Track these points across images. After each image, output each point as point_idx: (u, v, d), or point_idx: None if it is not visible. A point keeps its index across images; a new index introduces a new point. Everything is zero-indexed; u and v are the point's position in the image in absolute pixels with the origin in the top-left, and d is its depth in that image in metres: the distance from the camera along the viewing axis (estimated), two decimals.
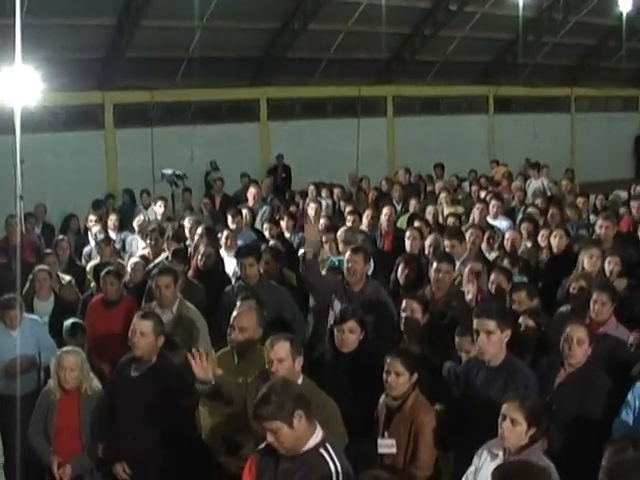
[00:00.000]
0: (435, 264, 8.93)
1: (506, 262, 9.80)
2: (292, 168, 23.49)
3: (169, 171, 17.83)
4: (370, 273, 9.45)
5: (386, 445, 6.43)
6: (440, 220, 13.32)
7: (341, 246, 10.65)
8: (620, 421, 6.45)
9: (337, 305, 8.73)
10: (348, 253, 8.94)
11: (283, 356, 6.26)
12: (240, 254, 9.93)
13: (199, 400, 6.86)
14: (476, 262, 9.22)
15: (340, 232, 11.10)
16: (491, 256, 10.74)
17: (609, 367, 6.94)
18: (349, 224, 12.29)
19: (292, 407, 5.06)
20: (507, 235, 11.18)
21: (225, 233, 11.95)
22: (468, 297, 8.56)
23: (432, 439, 6.32)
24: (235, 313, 7.09)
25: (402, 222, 13.10)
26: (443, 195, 15.07)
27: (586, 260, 9.33)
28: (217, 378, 6.47)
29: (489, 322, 6.47)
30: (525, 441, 5.50)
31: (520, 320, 7.62)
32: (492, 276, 8.82)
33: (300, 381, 6.28)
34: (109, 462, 7.14)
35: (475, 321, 6.56)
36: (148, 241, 11.96)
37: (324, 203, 15.77)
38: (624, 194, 16.25)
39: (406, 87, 27.17)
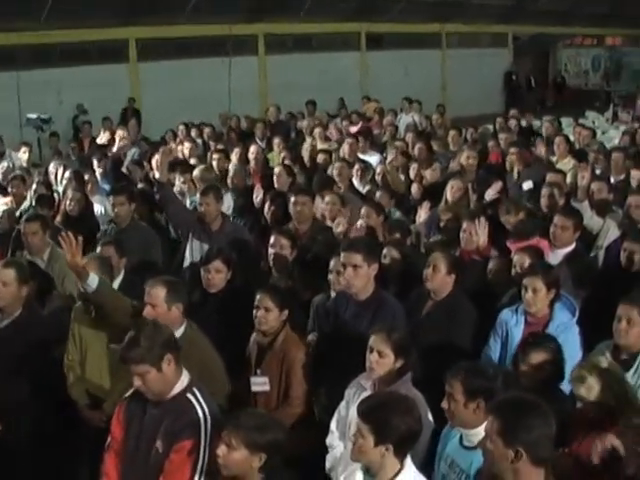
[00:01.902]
0: (293, 197, 8.88)
1: (379, 195, 9.82)
2: (163, 109, 23.01)
3: (34, 115, 17.36)
4: (230, 211, 9.53)
5: (259, 383, 6.38)
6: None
7: (199, 185, 10.46)
8: (488, 348, 6.57)
9: (196, 244, 8.67)
10: (198, 195, 8.85)
11: (156, 301, 6.11)
12: (112, 192, 9.69)
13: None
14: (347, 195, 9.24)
15: (196, 171, 10.95)
16: (364, 190, 10.77)
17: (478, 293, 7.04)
18: (214, 163, 12.15)
19: (161, 351, 5.00)
20: (378, 169, 11.19)
21: (87, 177, 11.64)
22: (338, 230, 8.50)
23: (303, 374, 6.29)
24: None
25: (271, 159, 13.01)
26: (317, 131, 14.99)
27: (448, 190, 9.42)
28: (100, 285, 6.26)
29: (356, 256, 6.42)
30: (393, 373, 5.51)
31: (385, 251, 7.62)
32: (362, 210, 8.80)
33: (182, 329, 6.13)
34: None
35: (342, 255, 6.53)
36: (10, 189, 11.55)
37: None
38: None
39: (277, 25, 26.91)
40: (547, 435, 4.05)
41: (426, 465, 5.11)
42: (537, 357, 5.56)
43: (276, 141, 14.12)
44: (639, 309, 5.76)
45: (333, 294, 6.97)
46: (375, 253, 6.69)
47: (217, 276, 7.18)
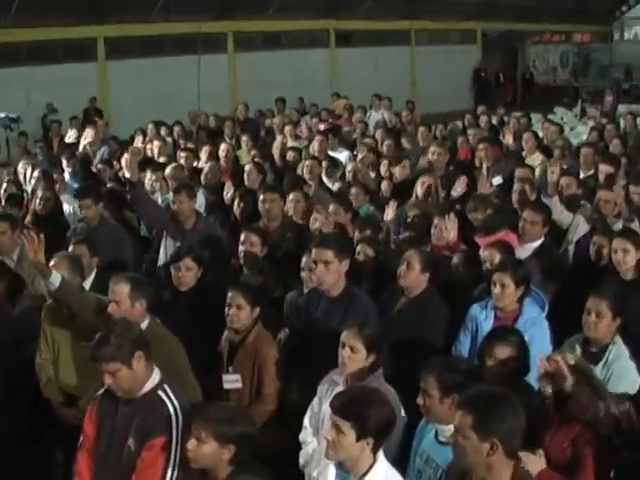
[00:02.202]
0: (261, 195, 8.89)
1: (355, 192, 9.84)
2: (132, 108, 22.90)
3: (2, 114, 17.20)
4: (202, 209, 9.55)
5: (231, 380, 6.39)
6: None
7: (171, 184, 10.46)
8: (458, 343, 6.61)
9: (170, 242, 8.67)
10: (172, 193, 8.84)
11: (119, 298, 6.11)
12: (78, 195, 9.65)
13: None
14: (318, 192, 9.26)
15: (168, 170, 10.90)
16: (334, 187, 10.81)
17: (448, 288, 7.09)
18: (182, 161, 12.11)
19: (131, 348, 5.00)
20: (348, 167, 11.21)
21: (55, 177, 11.58)
22: (314, 227, 8.51)
23: (276, 371, 6.31)
24: None
25: (241, 157, 13.01)
26: (288, 129, 14.99)
27: (418, 187, 9.46)
28: (62, 283, 6.25)
29: (327, 252, 6.43)
30: (366, 368, 5.52)
31: (358, 248, 7.63)
32: (331, 207, 8.83)
33: (145, 324, 6.11)
34: None
35: (313, 251, 6.54)
36: None
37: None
38: None
39: (247, 22, 26.86)
40: (519, 426, 4.09)
41: (399, 460, 5.13)
42: (501, 351, 5.57)
43: (244, 139, 14.09)
44: (608, 302, 5.82)
45: (305, 291, 6.98)
46: (346, 249, 6.69)
47: (187, 274, 7.18)
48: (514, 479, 4.11)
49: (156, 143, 13.86)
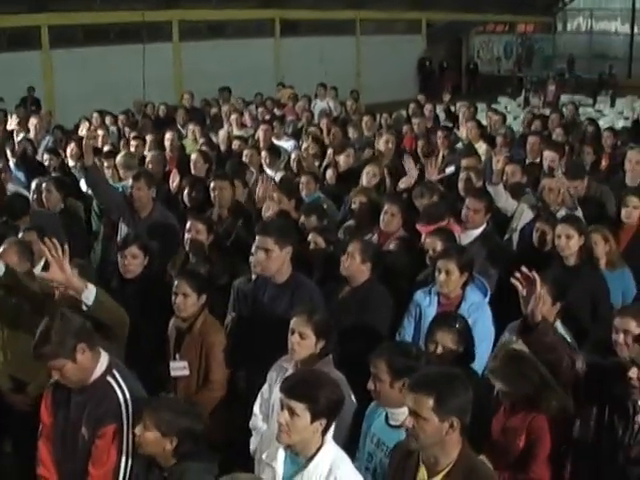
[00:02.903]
0: (212, 183, 8.89)
1: (305, 180, 9.84)
2: (77, 96, 22.70)
3: None
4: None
5: (178, 367, 6.39)
6: None
7: (121, 172, 10.41)
8: (402, 329, 6.68)
9: (124, 230, 8.62)
10: (130, 180, 8.79)
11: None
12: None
13: None
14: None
15: (119, 158, 10.80)
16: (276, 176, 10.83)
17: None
18: (132, 149, 12.05)
19: (73, 342, 4.95)
20: (293, 155, 11.23)
21: (0, 166, 11.43)
22: (267, 214, 8.50)
23: (222, 358, 6.33)
24: None
25: (187, 145, 12.97)
26: (233, 117, 14.97)
27: (364, 176, 9.50)
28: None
29: (267, 239, 6.43)
30: (315, 354, 5.55)
31: (309, 237, 7.65)
32: (274, 195, 8.84)
33: None
34: None
35: (256, 238, 6.56)
36: None
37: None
38: None
39: (191, 11, 26.79)
40: (470, 400, 4.20)
41: (348, 445, 5.18)
42: (444, 337, 5.65)
43: (191, 127, 14.05)
44: (547, 288, 5.90)
45: (253, 277, 6.98)
46: (288, 236, 6.64)
47: (133, 262, 7.13)
48: (462, 454, 4.21)
49: (100, 132, 13.75)
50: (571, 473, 4.91)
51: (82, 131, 14.54)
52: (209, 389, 6.33)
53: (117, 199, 9.06)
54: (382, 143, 11.38)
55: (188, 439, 4.70)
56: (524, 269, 4.67)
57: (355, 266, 6.79)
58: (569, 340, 5.86)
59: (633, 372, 4.47)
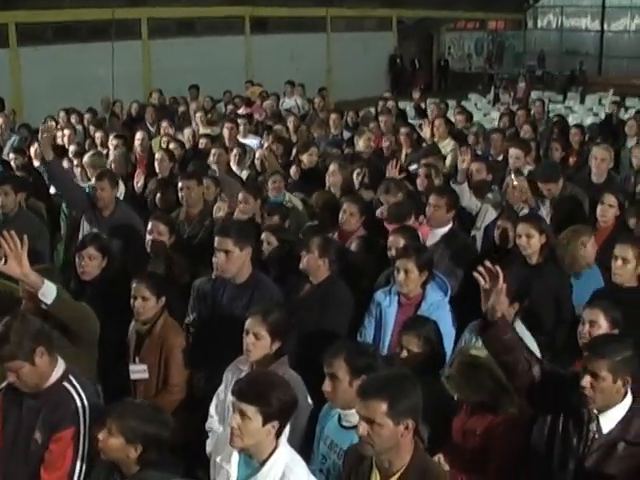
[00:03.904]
0: (180, 183, 8.83)
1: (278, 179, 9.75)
2: (45, 95, 22.52)
3: None
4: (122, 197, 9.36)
5: (138, 371, 6.35)
6: None
7: (89, 172, 10.32)
8: (363, 329, 6.66)
9: (87, 228, 8.59)
10: (93, 180, 8.72)
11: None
12: None
13: None
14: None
15: (86, 157, 10.71)
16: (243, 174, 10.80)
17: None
18: (100, 149, 11.95)
19: (32, 344, 4.90)
20: (257, 154, 11.19)
21: None
22: (217, 215, 8.45)
23: (182, 361, 6.28)
24: None
25: (155, 144, 12.89)
26: (198, 115, 14.89)
27: (328, 174, 9.47)
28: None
29: (226, 240, 6.40)
30: (270, 355, 5.52)
31: (263, 237, 7.60)
32: (240, 195, 8.80)
33: None
34: None
35: (216, 240, 6.51)
36: None
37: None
38: None
39: (161, 9, 26.57)
40: (420, 400, 4.18)
41: (304, 447, 5.16)
42: (409, 341, 5.64)
43: (164, 125, 14.02)
44: (507, 287, 5.87)
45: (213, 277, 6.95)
46: (248, 237, 6.62)
47: (90, 263, 7.05)
48: (415, 455, 4.20)
49: (66, 132, 13.65)
50: None
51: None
52: (168, 392, 6.28)
53: (80, 195, 8.97)
54: (364, 141, 11.39)
55: (153, 446, 4.62)
56: (487, 263, 4.63)
57: (314, 262, 6.78)
58: (529, 339, 5.87)
59: (585, 381, 4.45)
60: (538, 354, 5.70)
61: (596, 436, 4.54)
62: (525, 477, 4.82)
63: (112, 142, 12.32)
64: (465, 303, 6.59)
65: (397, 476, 4.17)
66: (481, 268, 4.60)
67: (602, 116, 19.64)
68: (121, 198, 9.79)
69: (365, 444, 4.17)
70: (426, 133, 12.71)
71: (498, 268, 4.59)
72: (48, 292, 5.50)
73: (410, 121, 15.59)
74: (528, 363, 4.68)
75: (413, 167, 10.63)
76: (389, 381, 4.22)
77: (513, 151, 10.31)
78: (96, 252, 7.07)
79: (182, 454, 5.45)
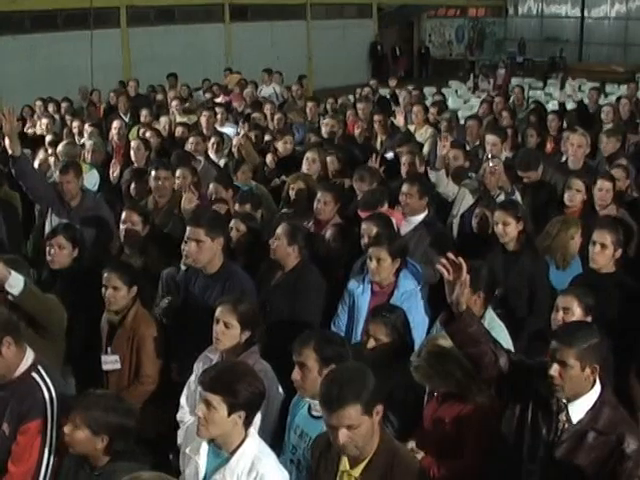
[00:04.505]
0: (153, 172, 8.76)
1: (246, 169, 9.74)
2: (22, 84, 22.37)
3: None
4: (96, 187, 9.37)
5: (110, 361, 6.30)
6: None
7: (62, 160, 10.19)
8: (336, 318, 6.64)
9: (55, 219, 8.50)
10: (57, 173, 8.67)
11: None
12: None
13: None
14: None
15: (60, 147, 10.63)
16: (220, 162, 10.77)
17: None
18: (77, 138, 11.91)
19: None
20: (234, 142, 11.14)
21: None
22: (187, 206, 8.31)
23: (154, 351, 6.24)
24: None
25: (132, 134, 12.80)
26: (175, 104, 14.81)
27: (304, 162, 9.42)
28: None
29: (198, 230, 6.36)
30: (240, 345, 5.49)
31: (232, 224, 7.55)
32: (211, 186, 8.76)
33: None
34: None
35: (187, 229, 6.47)
36: None
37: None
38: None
39: None
40: (373, 379, 4.16)
41: (276, 438, 5.15)
42: (376, 329, 5.61)
43: (143, 113, 13.94)
44: (481, 277, 5.88)
45: (182, 266, 6.91)
46: (219, 227, 6.60)
47: (60, 252, 7.01)
48: (382, 441, 4.21)
49: (44, 120, 13.56)
50: (493, 471, 4.86)
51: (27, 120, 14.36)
52: (141, 382, 6.24)
53: (46, 191, 8.84)
54: (325, 127, 11.32)
55: (120, 436, 4.58)
56: (450, 255, 4.58)
57: (283, 250, 6.76)
58: (501, 329, 5.85)
59: (554, 370, 4.43)
60: (511, 344, 5.72)
61: (566, 426, 4.51)
62: (495, 468, 4.79)
63: (86, 130, 12.26)
64: (442, 292, 6.59)
65: (365, 462, 4.17)
66: (444, 260, 4.55)
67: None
68: (96, 187, 9.74)
69: (350, 448, 4.14)
70: (399, 121, 12.67)
71: (461, 259, 4.54)
72: (15, 283, 5.51)
73: None
74: (494, 355, 4.63)
75: (389, 155, 10.60)
76: (350, 380, 4.14)
77: (489, 137, 10.30)
78: (66, 241, 7.03)
79: (156, 446, 5.43)
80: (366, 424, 4.07)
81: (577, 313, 5.73)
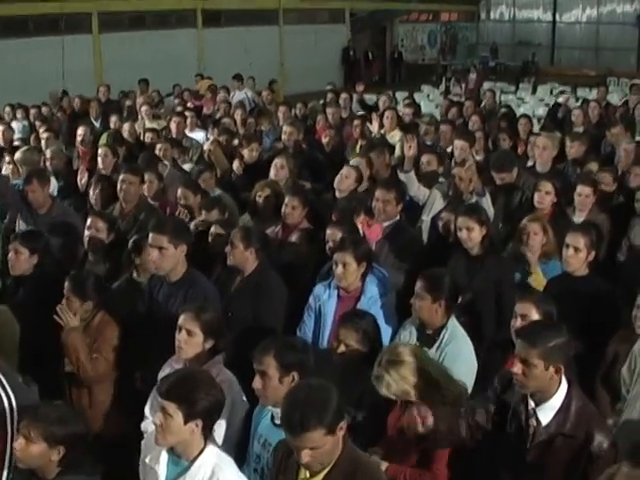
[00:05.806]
0: (122, 176, 8.69)
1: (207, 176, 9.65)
2: None
3: None
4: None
5: None
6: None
7: (21, 169, 10.11)
8: (303, 324, 6.58)
9: (23, 226, 8.44)
10: (21, 181, 8.62)
11: None
12: None
13: None
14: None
15: (18, 154, 10.47)
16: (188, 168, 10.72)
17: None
18: (43, 142, 11.82)
19: None
20: (205, 147, 11.09)
21: None
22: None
23: (110, 353, 6.18)
24: None
25: (103, 139, 12.70)
26: (144, 109, 14.72)
27: (272, 168, 9.38)
28: None
29: (161, 237, 6.28)
30: (204, 353, 5.43)
31: (212, 230, 7.53)
32: (179, 191, 8.70)
33: None
34: None
35: (150, 236, 6.39)
36: None
37: (19, 125, 15.04)
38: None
39: (112, 2, 26.33)
40: (336, 395, 4.09)
41: (241, 447, 5.10)
42: (347, 335, 5.55)
43: (113, 119, 13.82)
44: (444, 285, 5.86)
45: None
46: (183, 234, 6.52)
47: (17, 258, 6.94)
48: (344, 451, 4.14)
49: (0, 127, 13.30)
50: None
51: None
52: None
53: (13, 198, 8.79)
54: (284, 135, 11.30)
55: (75, 446, 4.52)
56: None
57: (239, 254, 6.71)
58: (464, 338, 5.84)
59: (517, 368, 4.41)
60: (473, 353, 5.73)
61: (537, 430, 4.52)
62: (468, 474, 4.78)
63: (43, 137, 12.15)
64: (410, 297, 6.55)
65: (325, 472, 4.11)
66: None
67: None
68: (54, 194, 9.63)
69: (313, 464, 4.09)
70: (374, 126, 12.66)
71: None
72: None
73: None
74: (466, 425, 4.74)
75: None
76: (312, 403, 4.02)
77: (457, 142, 10.29)
78: (22, 248, 6.95)
79: (116, 455, 5.37)
80: (330, 442, 4.02)
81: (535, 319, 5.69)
